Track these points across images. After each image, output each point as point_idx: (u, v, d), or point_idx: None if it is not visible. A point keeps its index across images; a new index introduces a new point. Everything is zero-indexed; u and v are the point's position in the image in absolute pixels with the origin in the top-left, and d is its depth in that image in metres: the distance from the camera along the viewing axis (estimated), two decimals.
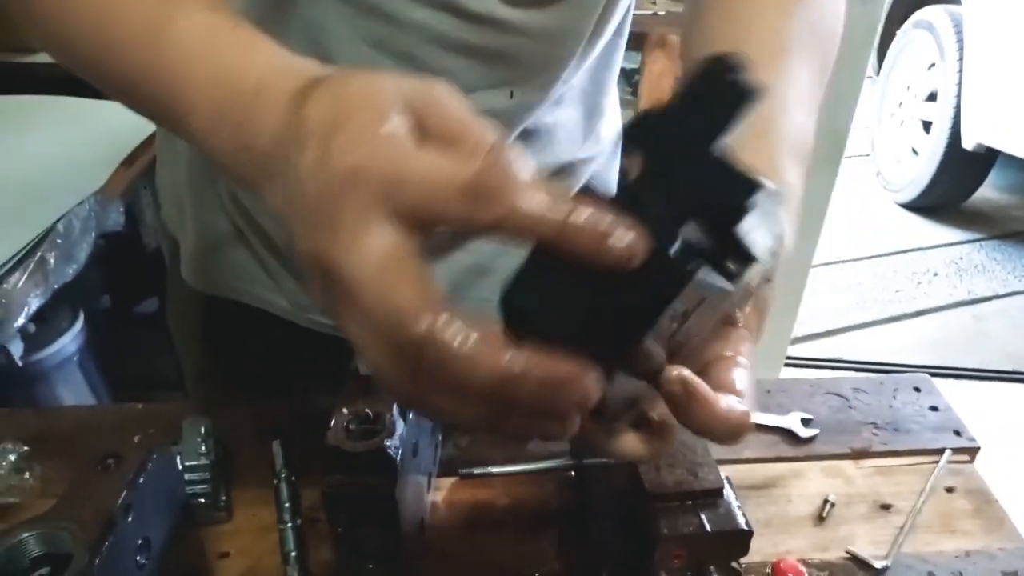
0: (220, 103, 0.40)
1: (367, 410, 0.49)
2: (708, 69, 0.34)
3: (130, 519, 0.46)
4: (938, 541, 0.61)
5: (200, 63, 0.42)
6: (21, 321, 1.07)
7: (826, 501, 0.64)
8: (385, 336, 0.32)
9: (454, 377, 0.32)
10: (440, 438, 0.66)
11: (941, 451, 0.68)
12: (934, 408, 0.73)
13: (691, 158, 0.34)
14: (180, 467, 0.58)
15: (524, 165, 0.33)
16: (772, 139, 0.49)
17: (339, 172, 0.33)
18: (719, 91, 0.33)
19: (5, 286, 1.03)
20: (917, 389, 0.76)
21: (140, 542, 0.48)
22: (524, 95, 0.63)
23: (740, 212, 0.32)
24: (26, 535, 0.42)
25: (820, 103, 0.54)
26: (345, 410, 0.49)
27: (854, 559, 0.59)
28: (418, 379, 0.33)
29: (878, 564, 0.59)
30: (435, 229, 0.34)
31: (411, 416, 0.51)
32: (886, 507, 0.64)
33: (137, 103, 0.48)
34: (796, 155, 0.49)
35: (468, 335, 0.31)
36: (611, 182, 0.88)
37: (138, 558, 0.47)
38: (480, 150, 0.33)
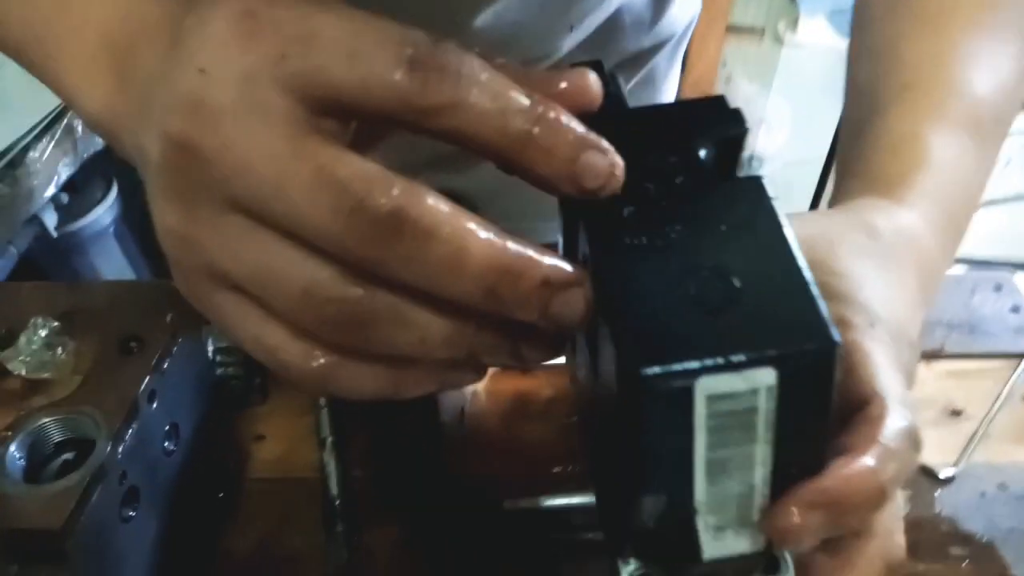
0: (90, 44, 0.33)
1: None
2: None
3: (155, 406, 0.44)
4: (1013, 451, 0.57)
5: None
6: (52, 191, 1.05)
7: None
8: (338, 226, 0.24)
9: (441, 259, 0.24)
10: None
11: (1021, 356, 0.63)
12: (1015, 309, 0.68)
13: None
14: (212, 348, 0.55)
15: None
16: (915, 93, 0.42)
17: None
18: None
19: (32, 153, 1.00)
20: (998, 288, 0.70)
21: (167, 428, 0.46)
22: None
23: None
24: (46, 420, 0.41)
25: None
26: None
27: (919, 467, 0.56)
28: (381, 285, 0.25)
29: (944, 473, 0.55)
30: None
31: None
32: (957, 413, 0.60)
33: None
34: (951, 118, 0.41)
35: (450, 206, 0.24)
36: (673, 73, 0.79)
37: (166, 444, 0.46)
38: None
